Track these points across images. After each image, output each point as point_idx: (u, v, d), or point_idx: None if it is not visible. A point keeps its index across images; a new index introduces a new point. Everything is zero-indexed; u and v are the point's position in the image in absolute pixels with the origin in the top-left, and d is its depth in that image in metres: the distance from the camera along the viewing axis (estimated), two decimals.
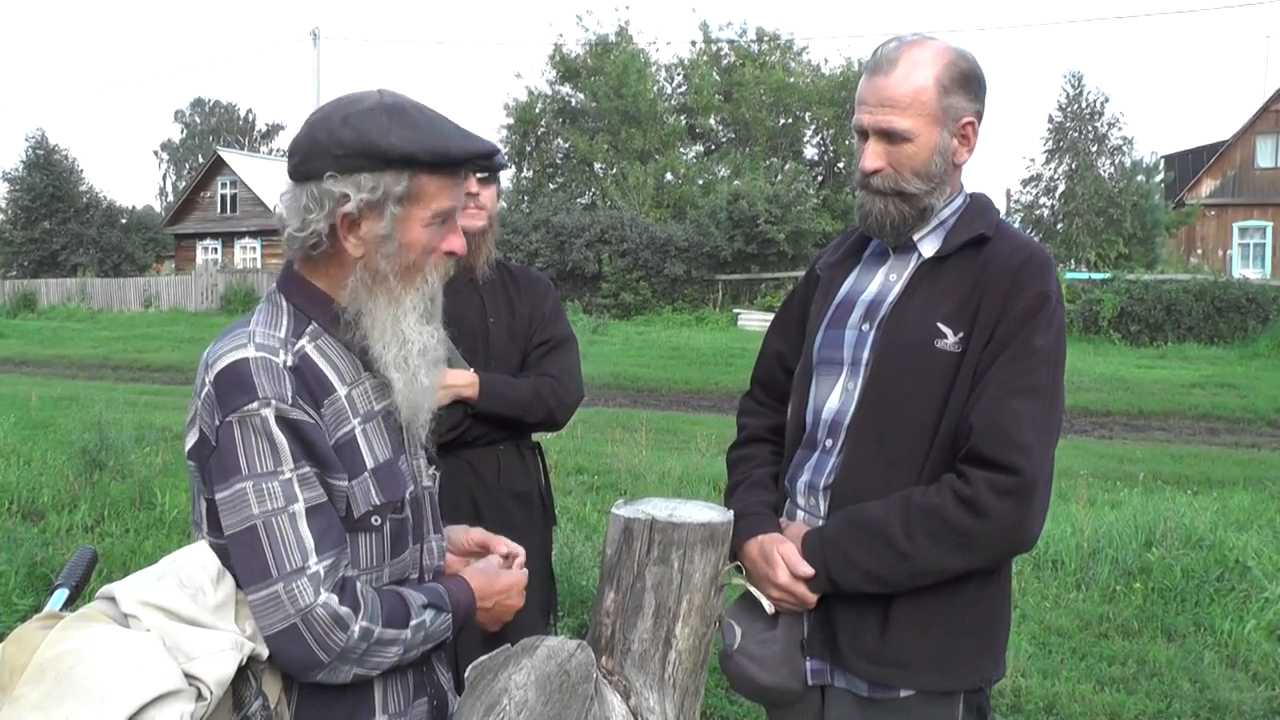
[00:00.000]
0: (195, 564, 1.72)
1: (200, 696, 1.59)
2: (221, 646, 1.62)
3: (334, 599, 1.68)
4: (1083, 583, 6.32)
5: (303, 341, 1.80)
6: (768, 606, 2.22)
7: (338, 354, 1.83)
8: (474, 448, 3.15)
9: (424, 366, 1.85)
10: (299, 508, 1.69)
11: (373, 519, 1.80)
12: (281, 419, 1.69)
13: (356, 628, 1.70)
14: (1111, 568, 6.37)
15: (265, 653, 1.70)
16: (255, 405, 1.69)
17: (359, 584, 1.75)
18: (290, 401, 1.71)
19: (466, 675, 1.42)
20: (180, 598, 1.66)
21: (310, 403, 1.74)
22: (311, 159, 1.76)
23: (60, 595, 1.95)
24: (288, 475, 1.69)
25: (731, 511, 2.09)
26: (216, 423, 1.70)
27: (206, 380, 1.74)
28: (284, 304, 1.84)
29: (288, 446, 1.69)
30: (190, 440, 1.77)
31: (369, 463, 1.81)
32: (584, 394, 3.44)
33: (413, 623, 1.79)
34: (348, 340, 1.83)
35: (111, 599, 1.69)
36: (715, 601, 1.32)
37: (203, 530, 1.77)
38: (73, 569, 2.04)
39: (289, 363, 1.75)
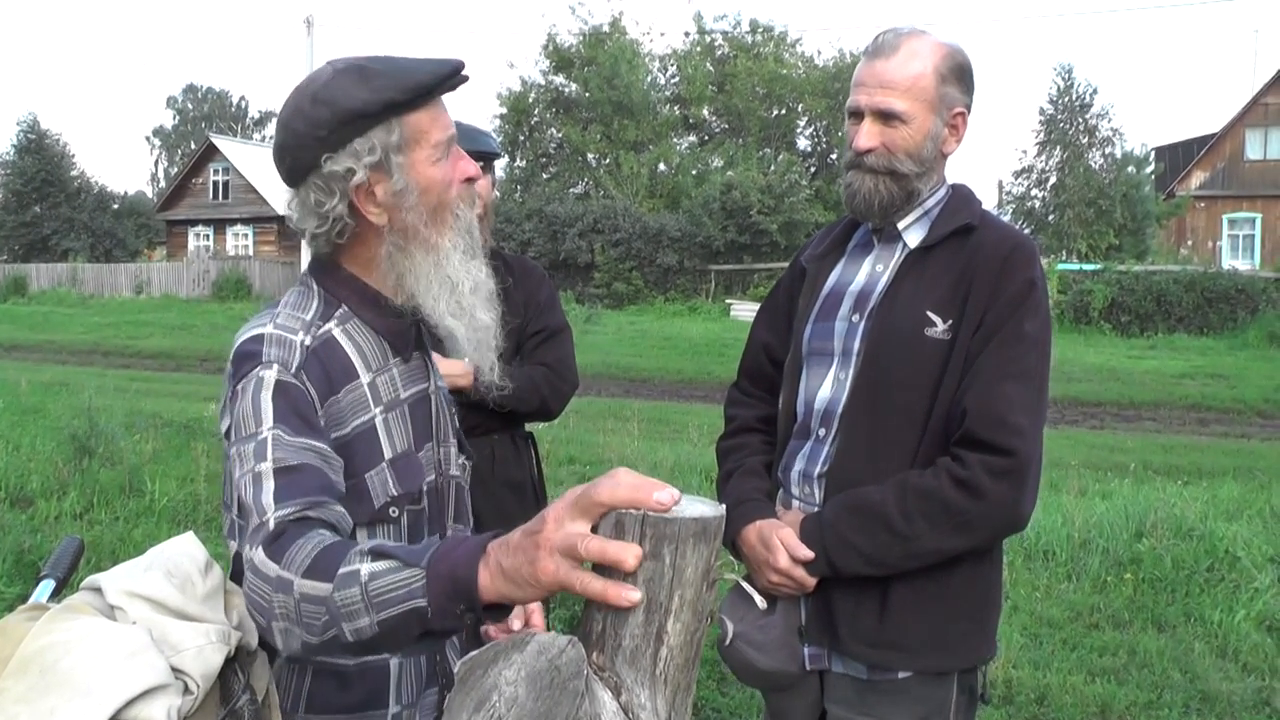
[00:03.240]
0: (182, 554, 1.69)
1: (187, 690, 1.57)
2: (209, 639, 1.60)
3: (259, 549, 1.50)
4: (1073, 573, 6.34)
5: (330, 325, 1.77)
6: (760, 602, 2.22)
7: (365, 339, 1.80)
8: (467, 437, 3.13)
9: (479, 303, 1.80)
10: (266, 466, 1.58)
11: (390, 510, 1.76)
12: (280, 382, 1.64)
13: (273, 575, 1.46)
14: (1102, 558, 6.39)
15: (254, 644, 1.68)
16: (258, 368, 1.65)
17: (305, 531, 1.49)
18: (293, 371, 1.66)
19: (456, 671, 1.39)
20: (167, 589, 1.64)
21: (323, 386, 1.70)
22: (301, 153, 1.72)
23: (46, 586, 1.93)
24: (264, 435, 1.61)
25: (724, 506, 2.09)
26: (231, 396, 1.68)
27: (229, 363, 1.72)
28: (315, 287, 1.81)
29: (272, 407, 1.63)
30: (223, 425, 1.73)
31: (387, 453, 1.77)
32: (579, 384, 3.44)
33: (340, 570, 1.39)
34: (378, 324, 1.80)
35: (97, 590, 1.67)
36: (707, 597, 1.31)
37: (231, 512, 1.72)
38: (59, 559, 2.02)
39: (307, 343, 1.71)
